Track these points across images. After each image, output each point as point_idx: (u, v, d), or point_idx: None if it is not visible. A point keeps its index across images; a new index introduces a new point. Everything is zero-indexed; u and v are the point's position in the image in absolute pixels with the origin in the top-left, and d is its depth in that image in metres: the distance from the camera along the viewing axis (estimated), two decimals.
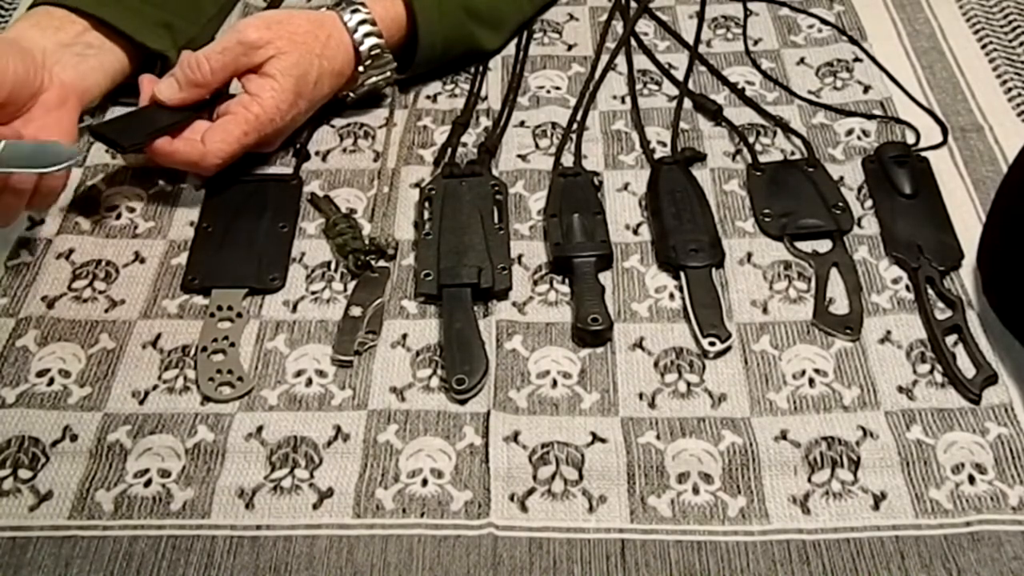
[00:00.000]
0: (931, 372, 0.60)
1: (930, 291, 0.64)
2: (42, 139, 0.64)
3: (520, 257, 0.68)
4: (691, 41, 0.85)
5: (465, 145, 0.76)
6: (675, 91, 0.80)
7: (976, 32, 0.86)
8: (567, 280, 0.66)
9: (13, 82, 0.64)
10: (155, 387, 0.60)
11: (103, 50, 0.73)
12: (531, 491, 0.55)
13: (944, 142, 0.75)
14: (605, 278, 0.65)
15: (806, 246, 0.67)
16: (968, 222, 0.69)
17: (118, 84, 0.75)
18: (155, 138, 0.68)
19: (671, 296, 0.65)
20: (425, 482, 0.55)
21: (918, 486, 0.55)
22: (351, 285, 0.66)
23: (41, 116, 0.66)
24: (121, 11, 0.73)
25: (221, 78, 0.69)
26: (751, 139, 0.75)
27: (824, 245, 0.68)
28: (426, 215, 0.69)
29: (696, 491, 0.55)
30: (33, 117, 0.66)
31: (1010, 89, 0.80)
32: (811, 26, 0.87)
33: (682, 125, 0.77)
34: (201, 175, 0.72)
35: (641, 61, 0.84)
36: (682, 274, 0.65)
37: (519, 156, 0.75)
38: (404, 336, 0.63)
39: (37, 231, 0.69)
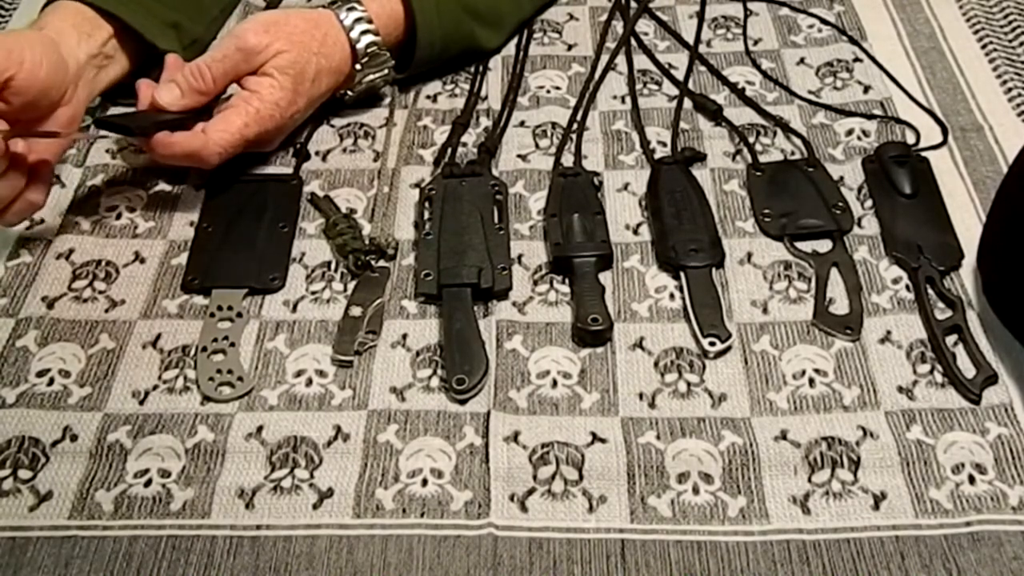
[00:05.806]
0: (931, 372, 0.60)
1: (930, 291, 0.64)
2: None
3: (520, 257, 0.67)
4: (691, 41, 0.85)
5: (465, 145, 0.76)
6: (675, 91, 0.80)
7: (976, 32, 0.86)
8: (567, 280, 0.66)
9: (43, 83, 0.62)
10: (155, 387, 0.60)
11: (115, 60, 0.72)
12: (531, 491, 0.55)
13: (944, 142, 0.75)
14: (605, 278, 0.65)
15: (806, 246, 0.67)
16: (968, 222, 0.69)
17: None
18: (161, 128, 0.67)
19: (671, 296, 0.65)
20: (425, 482, 0.55)
21: (918, 486, 0.55)
22: (351, 285, 0.66)
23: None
24: (135, 10, 0.72)
25: (223, 85, 0.69)
26: (751, 139, 0.75)
27: (824, 245, 0.68)
28: (426, 215, 0.69)
29: (696, 491, 0.55)
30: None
31: (1010, 89, 0.80)
32: (811, 26, 0.87)
33: (682, 125, 0.77)
34: (202, 168, 0.71)
35: (641, 61, 0.84)
36: (682, 274, 0.65)
37: (519, 156, 0.75)
38: (404, 336, 0.63)
39: (37, 231, 0.69)
